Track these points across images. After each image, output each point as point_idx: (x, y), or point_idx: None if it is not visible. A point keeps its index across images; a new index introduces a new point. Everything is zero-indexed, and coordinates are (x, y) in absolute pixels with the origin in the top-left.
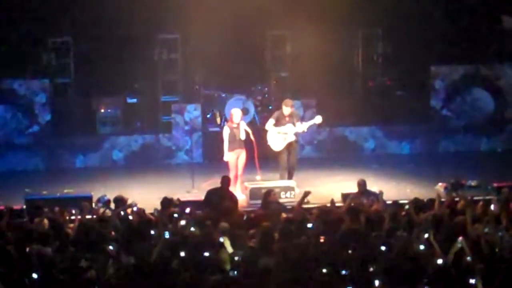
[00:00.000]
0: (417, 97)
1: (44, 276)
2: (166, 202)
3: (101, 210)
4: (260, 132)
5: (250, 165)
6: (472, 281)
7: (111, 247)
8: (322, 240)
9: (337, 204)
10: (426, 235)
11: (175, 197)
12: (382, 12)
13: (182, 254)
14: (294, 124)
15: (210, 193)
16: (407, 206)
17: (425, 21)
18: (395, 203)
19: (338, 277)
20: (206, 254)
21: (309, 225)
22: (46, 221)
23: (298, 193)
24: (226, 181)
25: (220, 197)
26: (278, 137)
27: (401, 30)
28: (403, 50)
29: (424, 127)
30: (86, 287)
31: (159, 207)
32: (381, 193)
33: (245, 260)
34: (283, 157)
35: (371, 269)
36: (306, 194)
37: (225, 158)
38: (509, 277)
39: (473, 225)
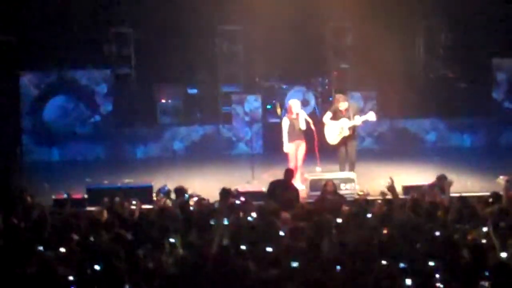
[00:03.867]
0: (479, 89)
1: (105, 266)
2: (225, 193)
3: (162, 200)
4: (319, 124)
5: (310, 156)
6: None
7: (171, 240)
8: (384, 232)
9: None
10: (485, 229)
11: (235, 188)
12: (445, 4)
13: (238, 245)
14: (349, 118)
15: (273, 185)
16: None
17: (487, 12)
18: (459, 196)
19: (398, 270)
20: (268, 248)
21: (369, 216)
22: (104, 211)
23: (358, 187)
24: (289, 173)
25: (283, 189)
26: (333, 130)
27: (464, 22)
28: (465, 42)
29: (486, 119)
30: (145, 277)
31: (218, 198)
32: (449, 183)
33: (305, 251)
34: (341, 150)
35: (432, 262)
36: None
37: (285, 149)
38: None
39: None
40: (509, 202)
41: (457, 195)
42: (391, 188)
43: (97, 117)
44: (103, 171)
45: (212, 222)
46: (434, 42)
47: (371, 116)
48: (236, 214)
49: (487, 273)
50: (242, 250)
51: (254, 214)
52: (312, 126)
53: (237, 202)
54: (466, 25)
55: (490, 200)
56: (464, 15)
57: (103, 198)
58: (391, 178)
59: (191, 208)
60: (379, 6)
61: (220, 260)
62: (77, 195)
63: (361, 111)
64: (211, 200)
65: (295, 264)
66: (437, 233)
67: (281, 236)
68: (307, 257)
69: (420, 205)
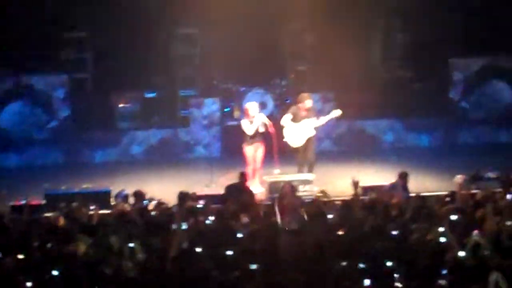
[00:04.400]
0: (436, 89)
1: (64, 272)
2: (183, 196)
3: (120, 205)
4: (278, 126)
5: (269, 158)
6: (493, 276)
7: (131, 244)
8: (341, 233)
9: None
10: (442, 228)
11: (194, 191)
12: (401, 4)
13: (198, 248)
14: (311, 119)
15: (229, 189)
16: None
17: (444, 13)
18: (417, 196)
19: (357, 271)
20: (228, 251)
21: (329, 216)
22: (61, 218)
23: (316, 189)
24: (244, 177)
25: (238, 193)
26: (297, 132)
27: (420, 23)
28: (422, 42)
29: (443, 119)
30: (103, 283)
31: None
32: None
33: (264, 254)
34: (300, 151)
35: (390, 262)
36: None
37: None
38: None
39: (493, 217)
40: (463, 201)
41: (415, 194)
42: (354, 187)
43: (55, 122)
44: (61, 177)
45: (171, 226)
46: (391, 43)
47: (336, 113)
48: (194, 217)
49: (444, 272)
50: (202, 254)
51: (212, 218)
52: (270, 129)
53: (196, 205)
54: (422, 25)
55: (447, 199)
56: (421, 15)
57: (60, 203)
58: (353, 178)
59: (150, 212)
60: (336, 7)
61: (179, 264)
62: (35, 201)
63: (320, 112)
64: (170, 204)
65: (254, 267)
66: (394, 233)
67: (240, 239)
68: (265, 259)
69: (378, 205)
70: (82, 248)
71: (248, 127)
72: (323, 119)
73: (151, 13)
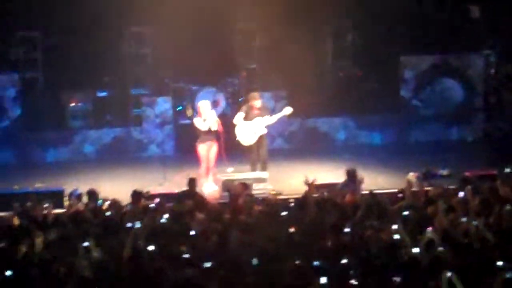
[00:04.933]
0: (387, 87)
1: (17, 272)
2: (136, 195)
3: (74, 204)
4: (230, 124)
5: (220, 157)
6: (448, 274)
7: (86, 243)
8: (292, 230)
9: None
10: (395, 226)
11: (147, 190)
12: (351, 3)
13: (152, 247)
14: (263, 117)
15: (179, 196)
16: (380, 196)
17: (393, 11)
18: (370, 193)
19: (311, 269)
20: (182, 249)
21: (283, 213)
22: (15, 217)
23: (270, 187)
24: (192, 183)
25: (188, 199)
26: (248, 131)
27: (370, 21)
28: (372, 41)
29: (395, 117)
30: (57, 282)
31: (128, 200)
32: (361, 180)
33: (216, 252)
34: (252, 150)
35: (344, 260)
36: (309, 182)
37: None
38: (480, 268)
39: (445, 214)
40: (415, 198)
41: (368, 191)
42: (308, 185)
43: (6, 122)
44: (13, 176)
45: (126, 225)
46: (342, 41)
47: (288, 110)
48: (149, 216)
49: (398, 270)
50: (156, 252)
51: (166, 216)
52: (220, 127)
53: (151, 204)
54: (373, 24)
55: (400, 195)
56: (371, 13)
57: (13, 203)
58: (306, 176)
59: (104, 211)
60: (287, 7)
61: (134, 263)
62: None
63: (272, 111)
64: (124, 203)
65: (207, 265)
66: (348, 230)
67: (194, 237)
68: (218, 258)
69: (331, 203)
70: (38, 247)
71: (201, 125)
72: (274, 117)
73: (102, 12)
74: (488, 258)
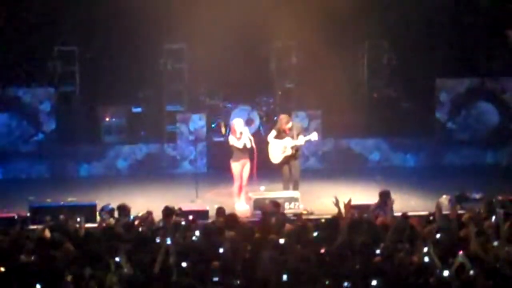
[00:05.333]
0: (422, 109)
1: (47, 286)
2: (168, 211)
3: (106, 219)
4: (264, 143)
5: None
6: None
7: (117, 258)
8: (323, 251)
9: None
10: (426, 249)
11: (179, 207)
12: (388, 24)
13: (183, 264)
14: (293, 138)
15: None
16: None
17: (431, 33)
18: (402, 215)
19: None
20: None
21: (315, 234)
22: (47, 230)
23: (302, 207)
24: (221, 212)
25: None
26: (277, 150)
27: (407, 42)
28: (409, 62)
29: (429, 139)
30: None
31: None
32: (391, 202)
33: (246, 270)
34: (285, 169)
35: (374, 281)
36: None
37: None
38: None
39: (477, 238)
40: (445, 221)
41: (400, 214)
42: (337, 206)
43: (41, 135)
44: (46, 190)
45: (157, 241)
46: (378, 62)
47: (314, 136)
48: (180, 233)
49: None
50: (187, 269)
51: (198, 233)
52: (253, 145)
53: (182, 221)
54: (409, 45)
55: (431, 219)
56: (408, 35)
57: (46, 216)
58: (335, 197)
59: (136, 227)
60: (324, 26)
61: (164, 279)
62: (20, 214)
63: (305, 131)
64: (155, 219)
65: (236, 283)
66: (379, 251)
67: (223, 254)
68: (245, 276)
69: (362, 224)
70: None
71: (236, 143)
72: (301, 140)
73: (139, 27)
74: None
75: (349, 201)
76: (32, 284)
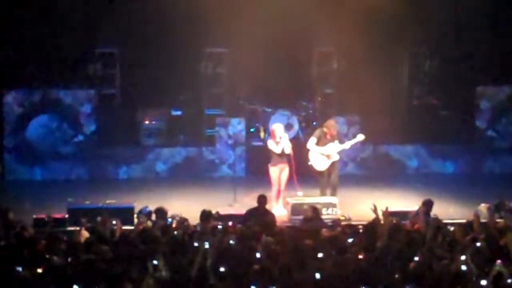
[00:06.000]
0: (462, 117)
1: (85, 286)
2: (205, 215)
3: (143, 221)
4: (303, 148)
5: (291, 180)
6: None
7: (154, 261)
8: (361, 257)
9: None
10: (463, 257)
11: (217, 210)
12: (430, 31)
13: (221, 268)
14: (336, 143)
15: (249, 213)
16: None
17: (472, 41)
18: (439, 223)
19: None
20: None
21: (350, 240)
22: (84, 231)
23: (339, 212)
24: (262, 200)
25: (258, 216)
26: (321, 156)
27: (448, 50)
28: (449, 70)
29: (469, 147)
30: None
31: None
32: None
33: (283, 275)
34: (323, 175)
35: None
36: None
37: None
38: None
39: None
40: (483, 230)
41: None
42: (375, 212)
43: (81, 137)
44: (85, 191)
45: (194, 245)
46: (418, 69)
47: (360, 137)
48: (217, 237)
49: None
50: (223, 273)
51: (235, 237)
52: (291, 151)
53: (219, 225)
54: (450, 53)
55: (470, 227)
56: (448, 43)
57: (83, 218)
58: (374, 205)
59: (173, 230)
60: (365, 32)
61: (201, 283)
62: (58, 215)
63: (344, 137)
64: (193, 222)
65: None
66: (416, 259)
67: (259, 260)
68: (281, 282)
69: (400, 231)
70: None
71: (275, 147)
72: (347, 144)
73: (180, 31)
74: None
75: (387, 208)
76: (68, 287)
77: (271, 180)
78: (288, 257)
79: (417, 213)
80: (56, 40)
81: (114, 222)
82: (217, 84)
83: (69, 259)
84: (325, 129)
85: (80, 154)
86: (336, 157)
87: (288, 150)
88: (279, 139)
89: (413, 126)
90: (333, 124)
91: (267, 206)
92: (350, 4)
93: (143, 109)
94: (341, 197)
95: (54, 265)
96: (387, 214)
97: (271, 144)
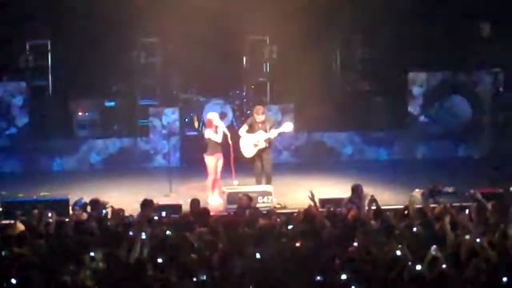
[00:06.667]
0: (395, 103)
1: (21, 280)
2: (146, 204)
3: (78, 213)
4: (237, 137)
5: (225, 169)
6: None
7: (91, 253)
8: (298, 245)
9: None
10: (399, 242)
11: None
12: (361, 18)
13: (158, 259)
14: (266, 131)
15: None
16: (387, 213)
17: (403, 27)
18: (376, 209)
19: (313, 283)
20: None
21: (289, 227)
22: (19, 224)
23: (275, 201)
24: (195, 204)
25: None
26: (249, 143)
27: (380, 36)
28: (381, 56)
29: (402, 133)
30: None
31: (136, 211)
32: (370, 198)
33: (219, 264)
34: (257, 163)
35: (347, 275)
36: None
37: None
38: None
39: (452, 232)
40: (418, 215)
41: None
42: (312, 200)
43: (13, 130)
44: (18, 184)
45: (129, 235)
46: (350, 56)
47: (288, 127)
48: (153, 227)
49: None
50: (160, 263)
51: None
52: (229, 141)
53: (155, 216)
54: (382, 39)
55: (405, 213)
56: (380, 29)
57: (17, 211)
58: (311, 192)
59: (108, 221)
60: (296, 20)
61: (138, 273)
62: None
63: (278, 124)
64: (128, 213)
65: (203, 278)
66: (355, 244)
67: (195, 250)
68: (219, 271)
69: (336, 218)
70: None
71: (214, 136)
72: (275, 132)
73: (112, 21)
74: (492, 275)
75: (312, 195)
76: (5, 280)
77: (207, 170)
78: (225, 246)
79: (350, 199)
80: None
81: (49, 214)
82: (150, 74)
83: (3, 253)
84: (254, 116)
85: (13, 146)
86: (262, 145)
87: (224, 139)
88: (215, 128)
89: (347, 113)
90: (258, 108)
91: (204, 196)
92: None
93: (76, 101)
94: (277, 185)
95: None
96: (318, 201)
97: (209, 133)
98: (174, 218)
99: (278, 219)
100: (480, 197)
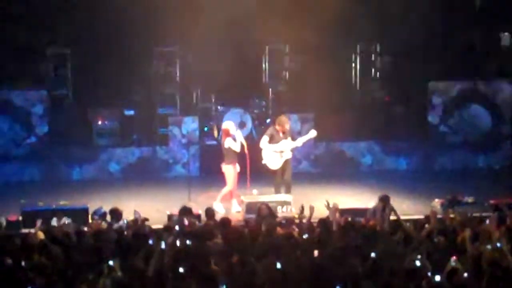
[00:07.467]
0: (415, 112)
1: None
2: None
3: (98, 222)
4: (256, 146)
5: (242, 179)
6: None
7: (110, 262)
8: (316, 254)
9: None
10: (418, 253)
11: (171, 210)
12: (381, 27)
13: (179, 268)
14: (289, 140)
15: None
16: (407, 223)
17: (423, 36)
18: (394, 219)
19: None
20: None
21: (305, 236)
22: (39, 233)
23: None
24: (210, 213)
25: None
26: (275, 155)
27: (400, 46)
28: (401, 66)
29: (422, 143)
30: None
31: (154, 220)
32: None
33: (237, 274)
34: (277, 173)
35: (366, 285)
36: (312, 209)
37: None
38: None
39: (471, 242)
40: (439, 225)
41: (393, 218)
42: (328, 209)
43: (33, 138)
44: (38, 193)
45: (149, 245)
46: (370, 66)
47: (312, 134)
48: (174, 237)
49: None
50: (181, 272)
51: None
52: (245, 150)
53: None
54: (402, 48)
55: (424, 223)
56: (400, 39)
57: (37, 220)
58: (327, 201)
59: (128, 230)
60: (316, 29)
61: (158, 282)
62: (12, 217)
63: (297, 134)
64: (148, 223)
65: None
66: (373, 255)
67: (214, 258)
68: (240, 280)
69: (356, 227)
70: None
71: (234, 145)
72: (300, 140)
73: (132, 31)
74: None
75: (334, 205)
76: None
77: (226, 179)
78: (245, 256)
79: (374, 210)
80: (6, 40)
81: (66, 222)
82: (169, 83)
83: (23, 262)
84: (277, 127)
85: (33, 155)
86: (289, 155)
87: (242, 148)
88: (234, 137)
89: (366, 123)
90: (284, 120)
91: (223, 205)
92: (302, 1)
93: (96, 110)
94: (296, 195)
95: (5, 267)
96: (338, 211)
97: (229, 142)
98: (195, 227)
99: (296, 229)
100: (506, 208)
